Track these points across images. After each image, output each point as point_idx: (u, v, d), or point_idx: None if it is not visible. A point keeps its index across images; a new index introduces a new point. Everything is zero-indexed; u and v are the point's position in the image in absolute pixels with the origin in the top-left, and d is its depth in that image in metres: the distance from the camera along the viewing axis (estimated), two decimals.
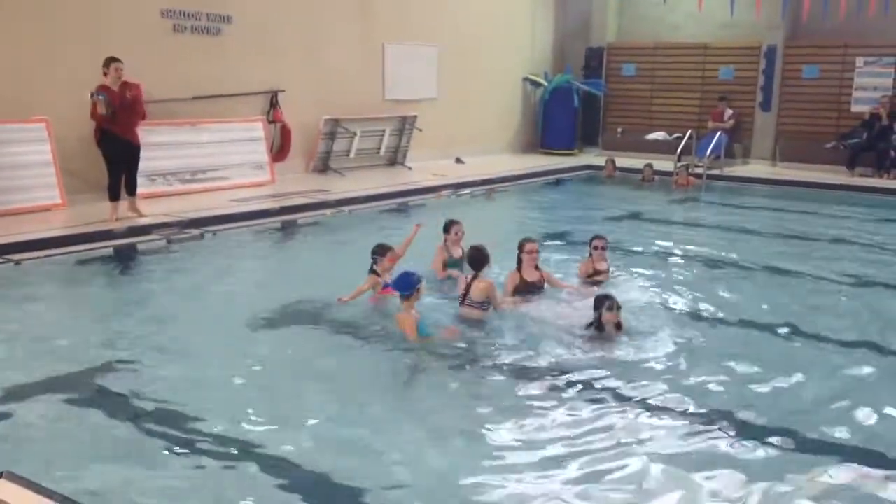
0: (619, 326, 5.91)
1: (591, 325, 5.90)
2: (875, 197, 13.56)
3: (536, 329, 6.13)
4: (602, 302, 5.87)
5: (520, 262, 6.95)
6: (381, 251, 6.66)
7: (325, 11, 13.58)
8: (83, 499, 3.53)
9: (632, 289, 7.35)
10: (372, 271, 6.65)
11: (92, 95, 9.00)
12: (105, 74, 9.14)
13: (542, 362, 5.49)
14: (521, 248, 6.97)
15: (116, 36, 10.54)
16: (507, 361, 5.52)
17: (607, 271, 7.55)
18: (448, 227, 7.56)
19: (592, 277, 7.40)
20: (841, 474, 4.08)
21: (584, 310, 6.19)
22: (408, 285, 5.69)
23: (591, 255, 7.54)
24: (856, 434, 4.55)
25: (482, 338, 5.94)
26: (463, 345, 5.78)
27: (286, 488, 3.91)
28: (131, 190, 9.57)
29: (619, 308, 5.85)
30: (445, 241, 7.54)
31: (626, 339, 5.89)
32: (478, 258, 6.33)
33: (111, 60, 9.15)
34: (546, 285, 7.01)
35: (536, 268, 7.01)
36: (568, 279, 7.45)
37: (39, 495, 3.50)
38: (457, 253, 7.45)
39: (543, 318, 6.35)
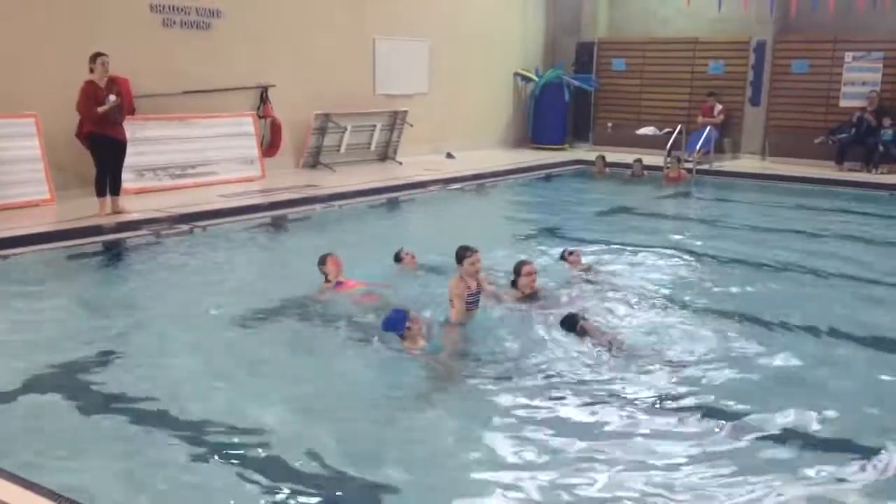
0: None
1: (564, 324, 5.94)
2: (863, 191, 13.63)
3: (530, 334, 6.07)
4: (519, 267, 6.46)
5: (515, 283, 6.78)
6: (321, 261, 6.92)
7: (316, 6, 13.55)
8: (69, 493, 3.54)
9: (623, 284, 7.44)
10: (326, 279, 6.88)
11: (107, 100, 9.11)
12: (92, 70, 9.13)
13: (533, 365, 5.47)
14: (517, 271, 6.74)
15: (106, 31, 10.51)
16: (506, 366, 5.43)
17: (587, 269, 7.74)
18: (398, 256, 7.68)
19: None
20: (845, 472, 4.09)
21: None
22: (395, 325, 5.51)
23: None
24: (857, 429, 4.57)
25: (478, 346, 5.81)
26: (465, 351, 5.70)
27: (273, 484, 3.92)
28: (115, 190, 9.53)
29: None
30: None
31: (619, 342, 5.87)
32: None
33: (97, 55, 9.14)
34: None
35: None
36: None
37: (25, 489, 3.51)
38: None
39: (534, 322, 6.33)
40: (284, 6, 13.01)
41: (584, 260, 7.97)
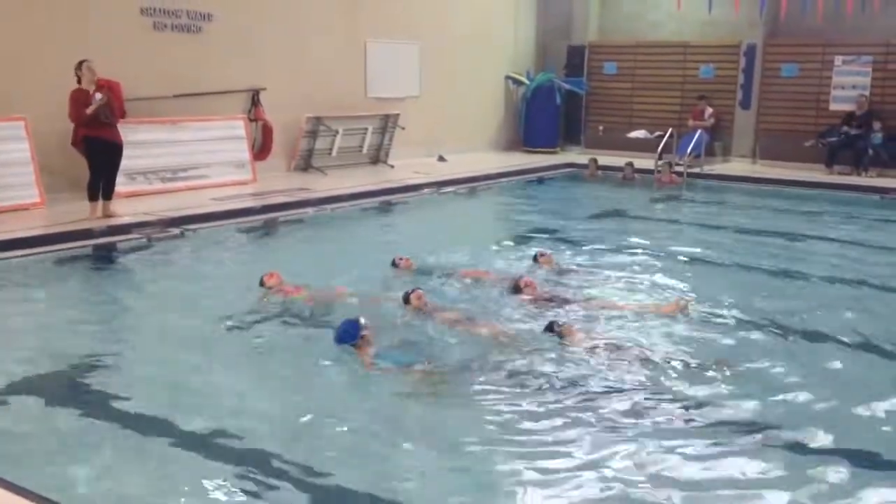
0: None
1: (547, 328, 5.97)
2: (853, 194, 13.68)
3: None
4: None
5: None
6: (261, 283, 7.02)
7: (307, 9, 13.54)
8: (59, 498, 3.52)
9: (607, 284, 7.48)
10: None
11: (96, 99, 9.07)
12: (79, 79, 9.11)
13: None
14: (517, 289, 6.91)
15: (96, 34, 10.48)
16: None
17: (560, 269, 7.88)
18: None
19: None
20: (831, 476, 4.08)
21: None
22: (351, 336, 5.52)
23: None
24: (847, 435, 4.56)
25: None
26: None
27: (264, 486, 3.91)
28: (108, 194, 9.49)
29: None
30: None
31: (611, 339, 5.88)
32: None
33: (81, 62, 9.15)
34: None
35: None
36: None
37: (16, 495, 3.49)
38: None
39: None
40: (275, 9, 13.00)
41: (570, 262, 8.11)
